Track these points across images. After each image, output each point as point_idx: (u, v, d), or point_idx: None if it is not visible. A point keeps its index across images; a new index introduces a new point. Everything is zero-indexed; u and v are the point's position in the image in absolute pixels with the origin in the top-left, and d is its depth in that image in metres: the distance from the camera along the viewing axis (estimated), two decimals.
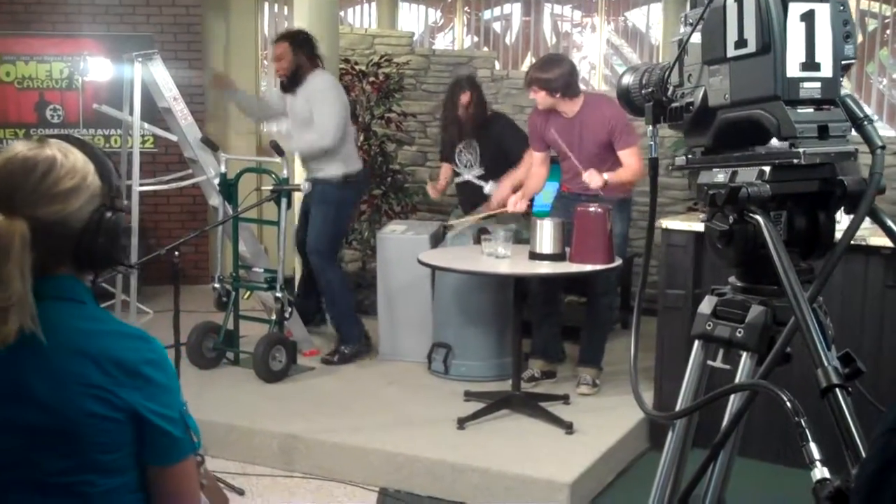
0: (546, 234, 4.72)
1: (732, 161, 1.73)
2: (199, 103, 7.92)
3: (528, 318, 5.33)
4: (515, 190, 5.49)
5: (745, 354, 1.79)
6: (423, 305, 5.76)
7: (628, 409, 4.98)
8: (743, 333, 1.77)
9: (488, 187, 5.72)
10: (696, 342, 1.93)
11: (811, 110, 1.58)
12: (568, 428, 4.60)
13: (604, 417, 4.86)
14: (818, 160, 1.61)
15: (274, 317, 5.48)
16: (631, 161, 5.13)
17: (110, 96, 7.10)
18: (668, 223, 4.85)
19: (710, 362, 1.91)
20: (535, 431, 4.65)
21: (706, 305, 1.88)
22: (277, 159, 5.51)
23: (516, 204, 5.30)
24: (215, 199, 5.75)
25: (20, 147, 1.67)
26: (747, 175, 1.68)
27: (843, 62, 1.60)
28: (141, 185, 5.84)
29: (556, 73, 5.07)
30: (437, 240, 5.79)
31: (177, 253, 4.26)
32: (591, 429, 4.67)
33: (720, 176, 1.74)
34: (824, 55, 1.56)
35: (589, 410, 4.94)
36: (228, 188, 5.57)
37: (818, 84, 1.57)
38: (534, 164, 5.45)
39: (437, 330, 5.58)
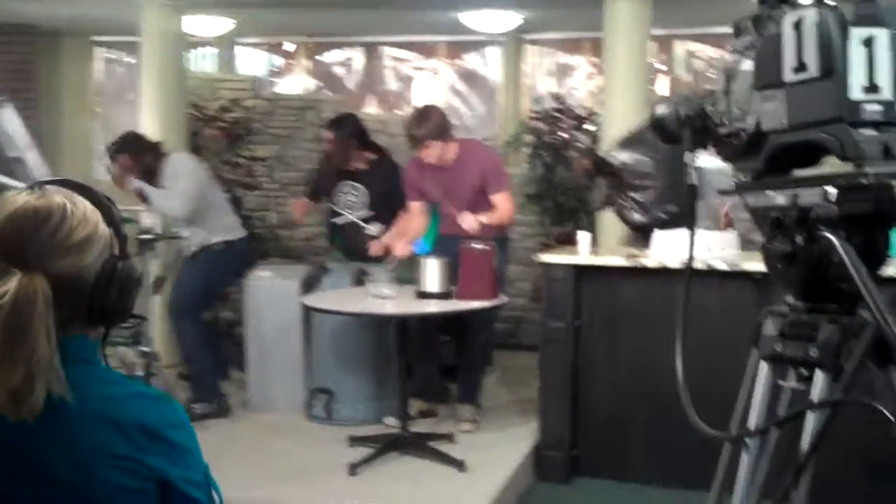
0: (433, 273, 4.73)
1: (792, 184, 1.76)
2: None
3: (452, 361, 5.36)
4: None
5: (818, 373, 1.80)
6: (295, 352, 5.64)
7: (511, 444, 5.04)
8: (818, 352, 1.79)
9: (374, 229, 5.65)
10: (763, 364, 1.93)
11: (873, 132, 1.62)
12: (461, 466, 4.59)
13: (490, 454, 4.86)
14: (885, 180, 1.63)
15: (140, 373, 5.23)
16: (504, 206, 5.24)
17: None
18: (547, 257, 4.95)
19: (781, 382, 1.92)
20: (428, 471, 4.62)
21: (770, 327, 1.89)
22: (140, 207, 5.32)
23: (402, 249, 5.28)
24: None
25: (24, 197, 1.52)
26: (811, 196, 1.72)
27: None
28: None
29: (437, 120, 5.12)
30: (307, 284, 5.69)
31: None
32: (481, 465, 4.67)
33: (780, 198, 1.77)
34: (884, 78, 1.61)
35: (474, 448, 4.93)
36: None
37: (879, 106, 1.61)
38: (413, 215, 5.46)
39: (316, 375, 5.47)
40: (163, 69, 6.57)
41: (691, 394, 5.00)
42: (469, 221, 5.02)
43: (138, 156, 5.48)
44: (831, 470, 2.05)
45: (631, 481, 4.86)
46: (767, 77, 1.70)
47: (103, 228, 1.56)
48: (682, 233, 4.78)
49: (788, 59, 1.65)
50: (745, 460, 1.95)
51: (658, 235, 4.85)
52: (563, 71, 9.82)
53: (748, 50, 1.76)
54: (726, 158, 1.88)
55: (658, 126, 1.97)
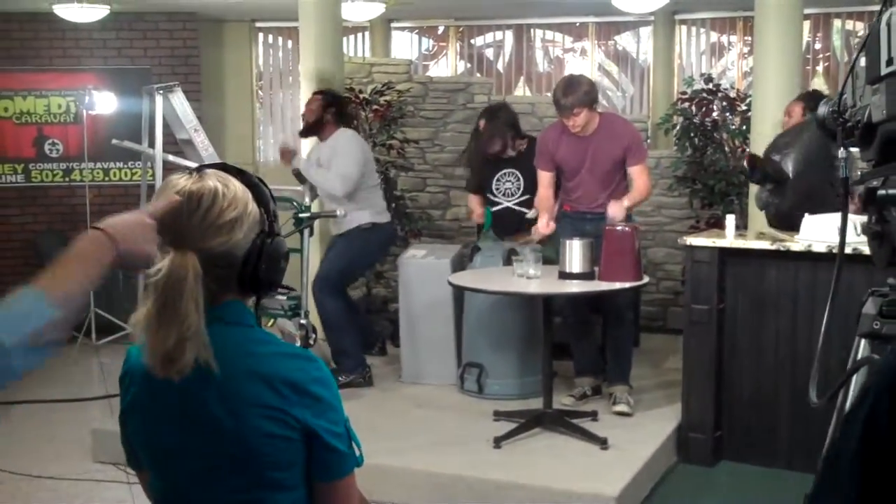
0: (575, 254, 4.81)
1: (889, 171, 1.83)
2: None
3: (564, 339, 5.45)
4: None
5: None
6: (446, 328, 5.83)
7: (656, 423, 5.08)
8: None
9: (531, 213, 5.77)
10: (863, 341, 2.00)
11: None
12: (603, 443, 4.67)
13: (634, 432, 4.93)
14: None
15: (298, 343, 5.51)
16: (641, 178, 5.26)
17: (115, 129, 7.13)
18: (692, 240, 4.96)
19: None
20: (571, 448, 4.72)
21: (871, 306, 1.96)
22: (299, 187, 5.58)
23: (547, 226, 5.36)
24: None
25: (182, 182, 1.73)
26: (894, 182, 1.79)
27: None
28: None
29: (586, 88, 5.13)
30: (458, 263, 5.88)
31: None
32: (624, 443, 4.74)
33: (874, 183, 1.85)
34: None
35: (618, 426, 5.01)
36: None
37: None
38: (542, 186, 5.47)
39: (468, 350, 5.67)
40: (319, 55, 6.82)
41: (832, 373, 4.94)
42: (618, 209, 5.05)
43: (325, 105, 5.81)
44: None
45: (776, 467, 4.85)
46: (874, 71, 1.76)
47: (253, 208, 1.74)
48: (830, 217, 4.73)
49: (884, 54, 1.70)
50: None
51: (808, 219, 4.80)
52: (715, 51, 9.68)
53: (862, 47, 1.81)
54: (859, 149, 1.94)
55: (821, 125, 2.04)
